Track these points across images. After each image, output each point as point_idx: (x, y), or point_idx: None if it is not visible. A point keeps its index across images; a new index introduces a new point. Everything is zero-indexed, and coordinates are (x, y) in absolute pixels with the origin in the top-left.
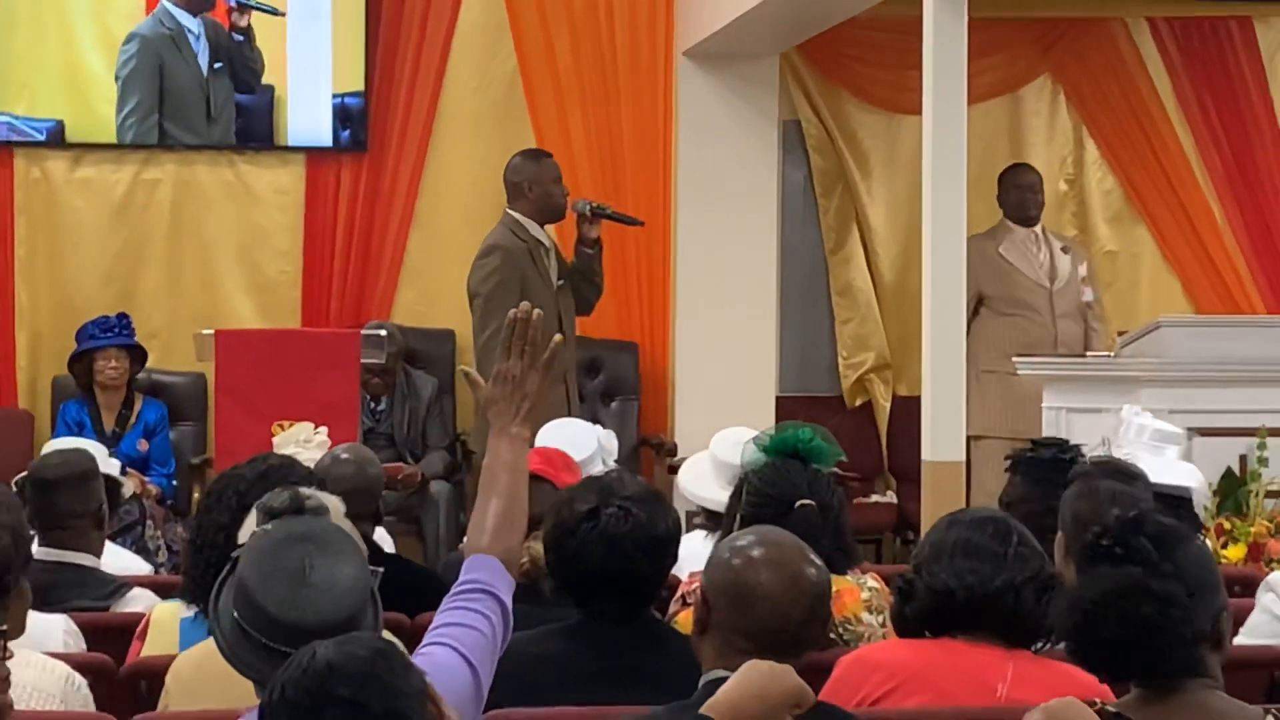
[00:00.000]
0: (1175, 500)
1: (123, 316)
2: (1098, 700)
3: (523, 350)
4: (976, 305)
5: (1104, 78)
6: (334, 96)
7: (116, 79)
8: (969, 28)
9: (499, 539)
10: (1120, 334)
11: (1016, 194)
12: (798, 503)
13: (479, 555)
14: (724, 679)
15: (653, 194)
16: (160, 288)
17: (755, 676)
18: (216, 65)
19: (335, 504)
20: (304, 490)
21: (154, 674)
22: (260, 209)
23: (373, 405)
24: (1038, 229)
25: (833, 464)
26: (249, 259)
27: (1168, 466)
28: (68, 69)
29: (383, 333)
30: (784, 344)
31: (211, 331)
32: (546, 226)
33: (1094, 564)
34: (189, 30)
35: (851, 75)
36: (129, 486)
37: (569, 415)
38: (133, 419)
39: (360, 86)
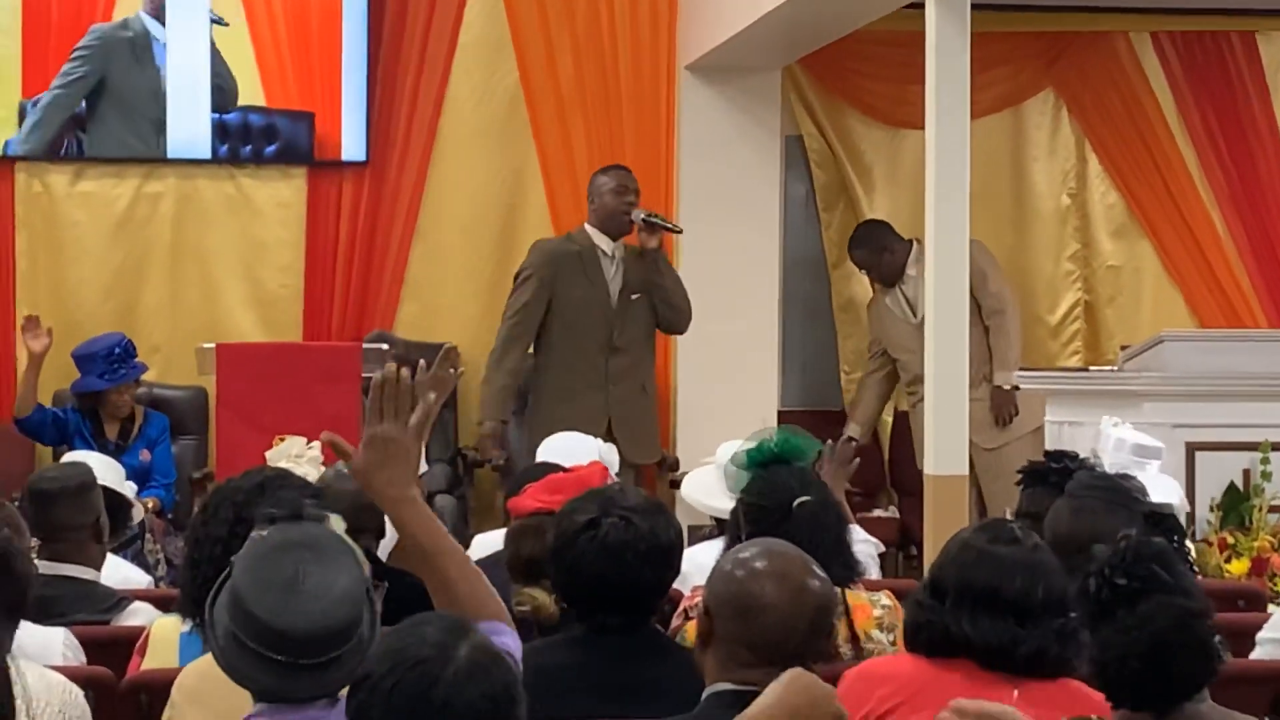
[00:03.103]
0: (1159, 517)
1: (126, 345)
2: (1094, 718)
3: (395, 412)
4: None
5: (1107, 92)
6: (212, 113)
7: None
8: (972, 42)
9: (486, 601)
10: (1123, 348)
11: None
12: (795, 502)
13: (486, 623)
14: (727, 692)
15: (654, 208)
16: (162, 302)
17: (797, 694)
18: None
19: (335, 519)
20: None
21: (154, 687)
22: (262, 223)
23: None
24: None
25: (814, 455)
26: (250, 273)
27: (1150, 481)
28: None
29: (384, 346)
30: (786, 358)
31: (213, 345)
32: (621, 239)
33: (1117, 606)
34: (155, 39)
35: (854, 89)
36: (138, 511)
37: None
38: (135, 432)
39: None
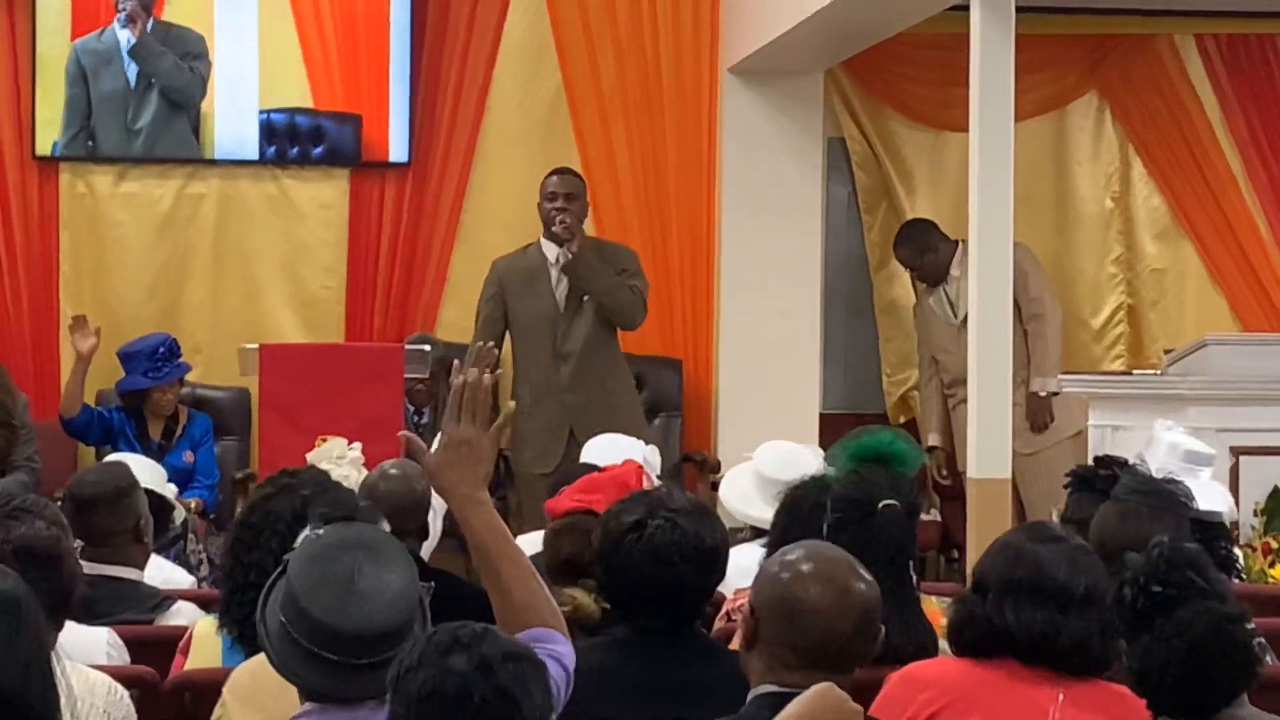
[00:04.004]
0: (1207, 525)
1: (171, 344)
2: None
3: (473, 415)
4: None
5: (1150, 95)
6: (260, 112)
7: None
8: (1016, 44)
9: (545, 611)
10: (1166, 351)
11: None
12: (882, 504)
13: (541, 629)
14: (772, 694)
15: (697, 210)
16: (204, 303)
17: (823, 710)
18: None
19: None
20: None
21: (198, 687)
22: (304, 224)
23: (416, 418)
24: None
25: (917, 466)
26: (293, 274)
27: (1201, 489)
28: None
29: (426, 347)
30: (827, 361)
31: (255, 346)
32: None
33: (1155, 613)
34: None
35: (897, 92)
36: (180, 513)
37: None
38: (179, 432)
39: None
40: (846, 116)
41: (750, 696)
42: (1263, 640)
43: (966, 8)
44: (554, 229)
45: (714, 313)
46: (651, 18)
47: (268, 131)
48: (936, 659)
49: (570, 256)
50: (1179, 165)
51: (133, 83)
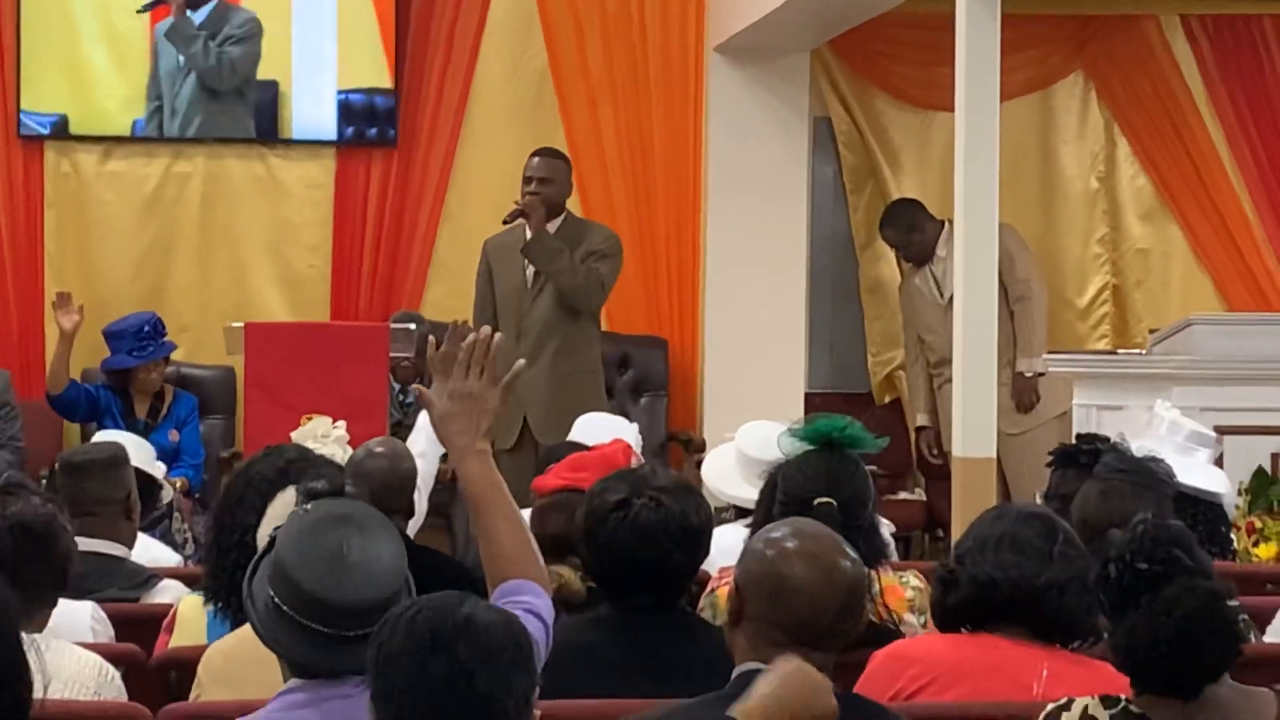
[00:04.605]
0: (1201, 504)
1: (156, 322)
2: (1122, 698)
3: (480, 370)
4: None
5: (1136, 75)
6: (339, 92)
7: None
8: (1002, 24)
9: (530, 565)
10: (1151, 331)
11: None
12: (816, 501)
13: (520, 581)
14: (757, 671)
15: (683, 190)
16: (190, 282)
17: (790, 689)
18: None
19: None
20: None
21: (183, 665)
22: (290, 203)
23: (401, 398)
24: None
25: (874, 450)
26: (278, 253)
27: (1198, 468)
28: (71, 63)
29: (411, 325)
30: (813, 340)
31: (241, 324)
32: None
33: (1140, 591)
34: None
35: (883, 71)
36: (167, 492)
37: None
38: (164, 411)
39: (371, 83)
40: (832, 96)
41: (735, 674)
42: (1247, 618)
43: None
44: (514, 206)
45: (699, 292)
46: None
47: (346, 112)
48: (924, 636)
49: (531, 239)
50: (1164, 145)
51: (180, 64)
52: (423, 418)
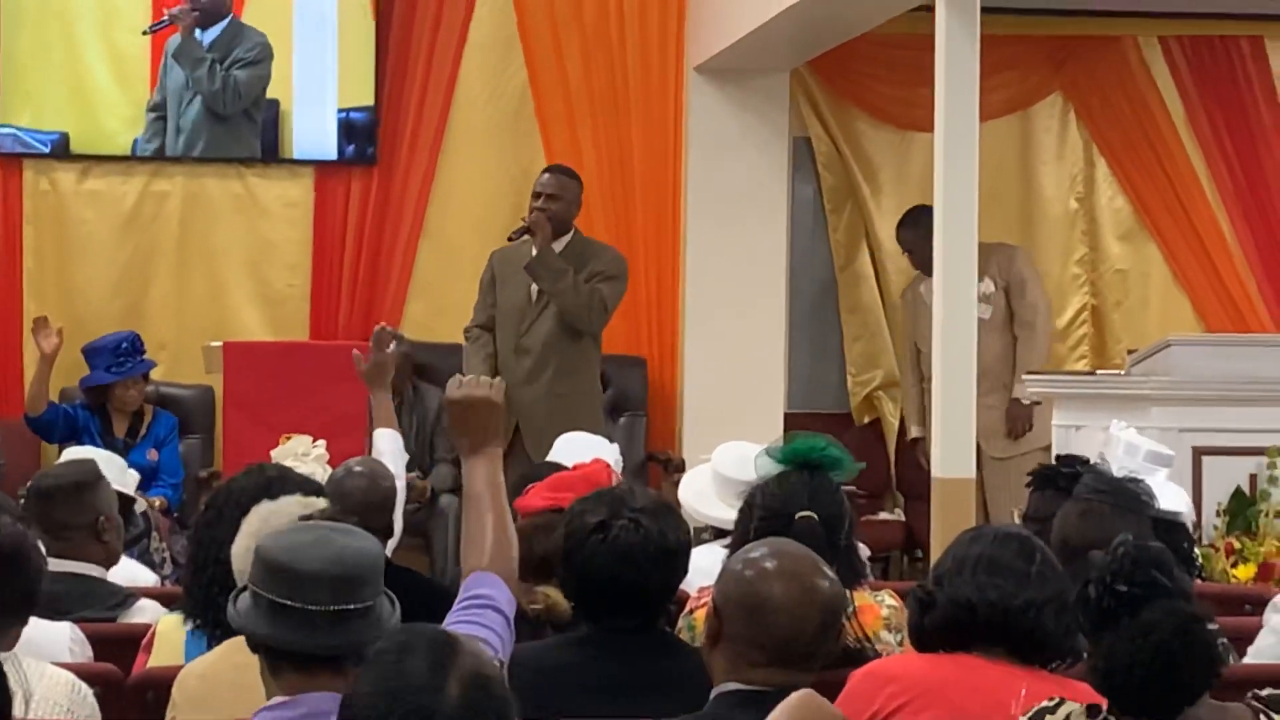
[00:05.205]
0: (1161, 522)
1: (134, 340)
2: (1103, 707)
3: (489, 385)
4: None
5: (1115, 95)
6: (339, 110)
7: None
8: (981, 45)
9: (498, 557)
10: (1130, 352)
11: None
12: (798, 514)
13: (480, 573)
14: (736, 692)
15: (662, 209)
16: (169, 300)
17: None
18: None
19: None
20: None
21: (161, 685)
22: (269, 222)
23: None
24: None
25: (852, 472)
26: (257, 272)
27: (1158, 489)
28: (73, 81)
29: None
30: (793, 361)
31: (220, 344)
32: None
33: (1120, 613)
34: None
35: (862, 91)
36: (140, 505)
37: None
38: (144, 430)
39: (369, 100)
40: (812, 116)
41: (714, 694)
42: (1225, 641)
43: (932, 8)
44: (521, 222)
45: (679, 312)
46: (618, 15)
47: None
48: (902, 655)
49: (534, 255)
50: (1143, 166)
51: (184, 83)
52: (382, 441)
